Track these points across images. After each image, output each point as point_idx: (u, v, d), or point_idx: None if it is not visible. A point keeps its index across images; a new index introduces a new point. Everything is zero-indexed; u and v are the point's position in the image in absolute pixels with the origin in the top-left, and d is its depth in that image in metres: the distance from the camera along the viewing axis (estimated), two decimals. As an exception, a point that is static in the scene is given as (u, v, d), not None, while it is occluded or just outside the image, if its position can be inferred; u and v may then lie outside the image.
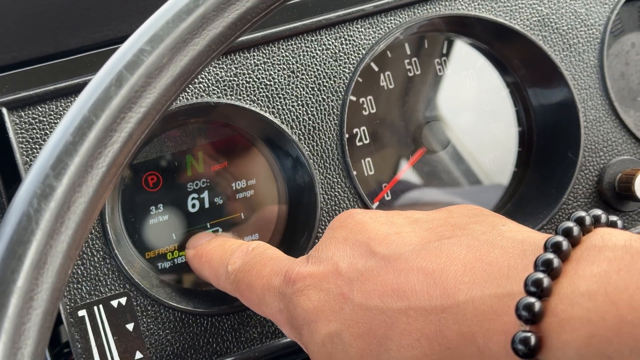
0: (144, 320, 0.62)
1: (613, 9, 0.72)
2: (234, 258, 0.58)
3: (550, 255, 0.40)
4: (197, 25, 0.44)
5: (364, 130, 0.72)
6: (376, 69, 0.72)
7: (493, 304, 0.42)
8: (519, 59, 0.73)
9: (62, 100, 0.62)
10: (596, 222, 0.43)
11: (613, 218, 0.44)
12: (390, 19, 0.69)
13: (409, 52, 0.74)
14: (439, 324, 0.44)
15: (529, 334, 0.39)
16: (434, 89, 0.75)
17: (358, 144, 0.71)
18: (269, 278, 0.54)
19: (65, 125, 0.41)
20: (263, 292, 0.54)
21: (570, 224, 0.42)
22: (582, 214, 0.42)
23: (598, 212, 0.43)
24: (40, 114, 0.61)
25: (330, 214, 0.66)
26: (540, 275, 0.40)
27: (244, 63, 0.66)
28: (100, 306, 0.61)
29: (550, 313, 0.39)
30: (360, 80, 0.71)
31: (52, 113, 0.62)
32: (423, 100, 0.74)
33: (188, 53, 0.44)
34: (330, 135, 0.67)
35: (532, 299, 0.39)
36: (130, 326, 0.61)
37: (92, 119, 0.41)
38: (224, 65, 0.65)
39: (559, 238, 0.41)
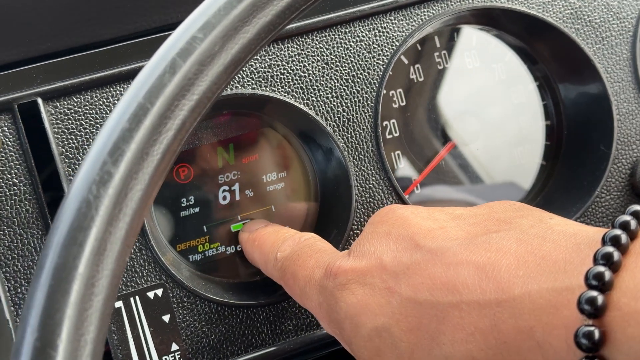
0: (180, 311, 0.62)
1: (645, 1, 0.72)
2: (284, 246, 0.58)
3: (610, 249, 0.40)
4: (247, 13, 0.44)
5: (394, 123, 0.72)
6: (406, 61, 0.72)
7: (551, 297, 0.41)
8: (550, 52, 0.73)
9: (97, 91, 0.62)
10: None
11: None
12: (423, 11, 0.69)
13: (438, 45, 0.74)
14: (494, 318, 0.43)
15: (592, 328, 0.39)
16: (463, 82, 0.74)
17: (388, 136, 0.71)
18: (312, 270, 0.54)
19: (121, 112, 0.41)
20: (305, 283, 0.54)
21: (627, 217, 0.41)
22: (638, 207, 0.42)
23: None
24: (75, 104, 0.61)
25: (365, 206, 0.66)
26: (601, 268, 0.39)
27: (278, 55, 0.65)
28: (137, 297, 0.61)
29: (613, 307, 0.39)
30: (391, 73, 0.71)
31: (87, 104, 0.61)
32: (452, 93, 0.74)
33: (239, 41, 0.44)
34: (365, 127, 0.67)
35: (594, 293, 0.39)
36: (166, 317, 0.61)
37: (147, 106, 0.41)
38: (258, 57, 0.65)
39: (618, 231, 0.41)
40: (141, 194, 0.40)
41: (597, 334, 0.39)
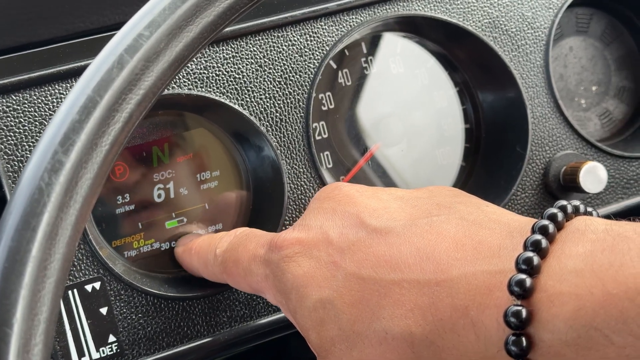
0: (117, 304, 0.63)
1: (557, 12, 0.77)
2: (222, 242, 0.60)
3: (538, 237, 0.44)
4: (191, 12, 0.47)
5: (322, 125, 0.75)
6: (334, 66, 0.76)
7: (485, 279, 0.45)
8: (470, 59, 0.77)
9: (36, 90, 0.63)
10: (576, 211, 0.47)
11: (589, 209, 0.48)
12: (352, 18, 0.72)
13: (365, 51, 0.77)
14: (432, 297, 0.46)
15: (520, 308, 0.42)
16: (389, 87, 0.78)
17: (317, 138, 0.74)
18: (255, 250, 0.56)
19: (70, 104, 0.43)
20: (249, 263, 0.56)
21: (554, 210, 0.45)
22: (564, 202, 0.46)
23: (577, 202, 0.47)
24: (14, 102, 0.62)
25: (297, 202, 0.69)
26: (530, 254, 0.43)
27: (214, 57, 0.68)
28: (75, 290, 0.62)
29: (540, 289, 0.42)
30: (320, 77, 0.74)
31: (25, 102, 0.63)
32: (378, 97, 0.78)
33: (182, 39, 0.47)
34: (297, 127, 0.70)
35: (523, 276, 0.43)
36: (103, 310, 0.63)
37: (97, 99, 0.43)
38: (194, 59, 0.67)
39: (545, 222, 0.44)
40: (90, 182, 0.42)
41: (524, 313, 0.42)
